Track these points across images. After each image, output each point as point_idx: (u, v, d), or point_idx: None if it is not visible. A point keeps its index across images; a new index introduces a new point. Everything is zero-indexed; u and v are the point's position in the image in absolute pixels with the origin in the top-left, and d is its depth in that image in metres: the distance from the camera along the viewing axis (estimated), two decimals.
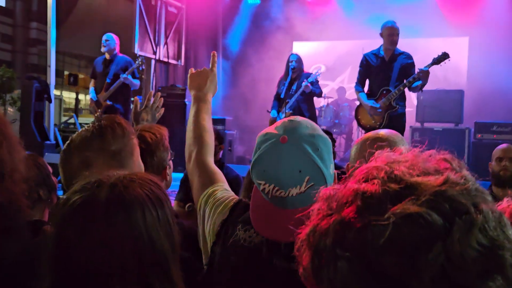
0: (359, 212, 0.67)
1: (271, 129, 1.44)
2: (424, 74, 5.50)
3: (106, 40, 7.28)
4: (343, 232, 0.67)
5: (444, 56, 5.61)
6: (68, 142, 1.59)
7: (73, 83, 13.15)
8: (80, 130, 1.62)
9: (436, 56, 5.68)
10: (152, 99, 2.48)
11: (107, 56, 7.38)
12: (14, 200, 1.33)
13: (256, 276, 1.42)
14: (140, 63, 7.21)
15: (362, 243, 0.65)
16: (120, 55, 7.43)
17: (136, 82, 7.30)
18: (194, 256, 1.64)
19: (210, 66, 2.07)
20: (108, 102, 7.14)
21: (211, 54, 2.11)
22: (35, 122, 7.64)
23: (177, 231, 1.16)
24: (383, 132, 1.84)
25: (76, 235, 1.05)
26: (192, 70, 2.08)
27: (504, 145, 3.81)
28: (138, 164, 1.66)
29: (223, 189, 1.69)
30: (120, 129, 1.61)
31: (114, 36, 7.38)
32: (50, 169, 2.19)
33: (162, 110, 2.52)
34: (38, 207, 2.03)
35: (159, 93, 2.56)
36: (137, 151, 1.66)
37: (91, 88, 7.51)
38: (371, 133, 1.83)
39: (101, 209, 1.06)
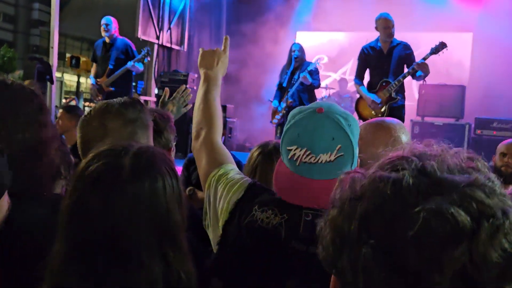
0: (387, 201, 0.68)
1: (304, 106, 1.52)
2: (420, 67, 5.52)
3: (107, 25, 7.23)
4: (369, 219, 0.68)
5: (442, 46, 5.63)
6: (90, 109, 1.70)
7: (75, 66, 13.12)
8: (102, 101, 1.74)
9: (433, 46, 5.70)
10: (180, 94, 2.59)
11: (107, 39, 7.34)
12: (49, 173, 1.43)
13: (272, 257, 1.42)
14: (145, 54, 7.17)
15: (389, 233, 0.66)
16: (120, 37, 7.39)
17: (140, 67, 7.28)
18: (199, 232, 1.66)
19: (223, 47, 2.06)
20: (111, 88, 7.14)
21: (224, 38, 2.11)
22: None
23: (186, 205, 1.22)
24: (387, 120, 1.86)
25: (100, 201, 1.08)
26: (203, 49, 2.07)
27: (509, 141, 3.79)
28: (149, 140, 1.72)
29: (235, 170, 1.69)
30: (139, 104, 1.73)
31: (112, 19, 7.32)
32: (68, 149, 2.22)
33: (189, 106, 2.58)
34: (58, 183, 2.06)
35: (189, 90, 2.64)
36: (151, 129, 1.73)
37: (92, 73, 7.52)
38: (374, 120, 1.85)
39: (126, 176, 1.10)
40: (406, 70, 5.77)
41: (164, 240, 1.11)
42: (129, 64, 7.01)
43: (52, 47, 7.77)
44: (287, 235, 1.41)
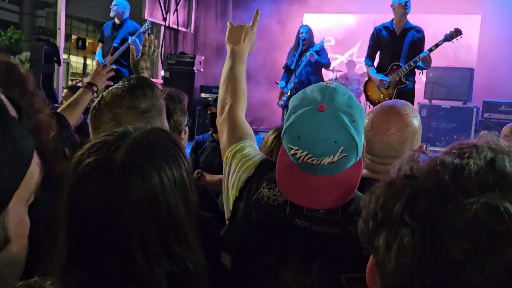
0: (442, 185, 0.64)
1: (305, 93, 1.43)
2: (422, 59, 5.53)
3: (114, 5, 7.23)
4: (417, 200, 0.65)
5: (457, 33, 5.58)
6: (98, 99, 1.60)
7: (81, 47, 13.10)
8: (110, 88, 1.64)
9: (448, 32, 5.65)
10: (147, 45, 2.40)
11: (116, 20, 7.33)
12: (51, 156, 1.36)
13: (277, 234, 1.44)
14: (146, 27, 7.14)
15: (435, 218, 0.63)
16: (131, 20, 7.38)
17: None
18: (214, 215, 1.67)
19: (251, 23, 2.06)
20: (114, 66, 7.13)
21: (255, 12, 2.08)
22: (43, 84, 7.64)
23: (193, 192, 1.15)
24: (398, 103, 1.85)
25: (91, 199, 1.03)
26: (231, 23, 2.06)
27: None
28: (164, 125, 1.68)
29: (252, 147, 1.69)
30: (150, 89, 1.63)
31: (123, 1, 7.32)
32: (72, 127, 2.22)
33: (158, 51, 2.44)
34: (63, 164, 2.07)
35: (152, 36, 2.45)
36: (164, 112, 1.67)
37: (98, 50, 7.48)
38: (385, 105, 1.84)
39: (117, 173, 1.03)
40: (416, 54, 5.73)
41: (167, 235, 1.05)
42: (130, 39, 7.00)
43: (59, 29, 7.77)
44: (291, 213, 1.44)
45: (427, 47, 5.70)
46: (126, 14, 7.34)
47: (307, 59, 6.80)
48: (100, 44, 7.60)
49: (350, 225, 1.37)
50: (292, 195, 1.43)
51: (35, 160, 0.66)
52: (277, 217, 1.45)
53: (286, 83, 7.19)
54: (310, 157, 1.35)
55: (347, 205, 1.41)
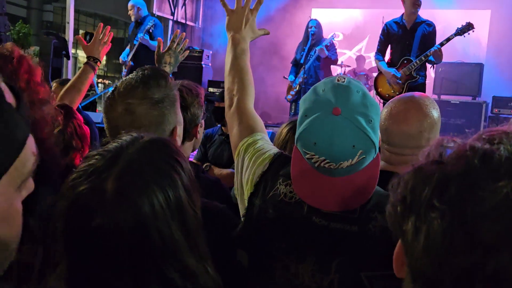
0: (472, 170, 0.64)
1: (316, 93, 1.37)
2: (435, 53, 5.48)
3: (134, 8, 7.45)
4: (447, 184, 0.65)
5: (468, 27, 5.54)
6: (112, 89, 1.60)
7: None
8: (124, 78, 1.63)
9: (460, 26, 5.61)
10: (176, 42, 2.42)
11: (132, 19, 7.57)
12: (53, 156, 1.34)
13: (294, 232, 1.42)
14: (150, 26, 7.32)
15: (465, 202, 0.63)
16: (150, 17, 7.59)
17: (152, 42, 7.31)
18: (228, 206, 1.65)
19: (253, 8, 1.95)
20: (131, 63, 7.23)
21: None
22: (52, 78, 7.67)
23: (195, 210, 1.10)
24: (417, 95, 1.84)
25: (83, 225, 1.01)
26: (229, 9, 1.94)
27: None
28: (178, 116, 1.66)
29: (264, 140, 1.66)
30: (164, 80, 1.61)
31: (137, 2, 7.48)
32: (82, 119, 2.22)
33: (186, 53, 2.47)
34: (70, 155, 2.08)
35: (184, 34, 2.47)
36: (178, 103, 1.65)
37: (126, 49, 7.71)
38: (404, 97, 1.83)
39: (107, 204, 1.00)
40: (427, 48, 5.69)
41: (163, 262, 1.02)
42: (139, 36, 7.12)
43: (68, 23, 7.79)
44: (309, 210, 1.41)
45: (437, 41, 5.66)
46: (145, 12, 7.53)
47: (317, 54, 6.79)
48: (129, 45, 7.82)
49: (369, 221, 1.34)
50: (310, 199, 1.39)
51: (31, 148, 0.67)
52: (295, 215, 1.42)
53: (295, 77, 7.18)
54: (327, 162, 1.31)
55: (366, 201, 1.37)
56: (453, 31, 5.65)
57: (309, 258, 1.38)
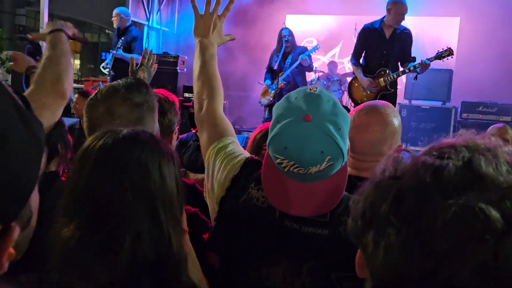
0: (424, 186, 0.68)
1: (289, 100, 1.43)
2: (424, 67, 5.44)
3: (116, 16, 7.52)
4: (402, 200, 0.69)
5: (449, 53, 5.50)
6: (96, 92, 1.69)
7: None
8: (109, 83, 1.73)
9: (441, 50, 5.57)
10: (146, 58, 2.57)
11: (120, 27, 7.60)
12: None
13: (266, 236, 1.44)
14: (122, 44, 7.39)
15: (418, 218, 0.67)
16: (135, 27, 7.67)
17: (125, 54, 7.31)
18: (200, 209, 1.70)
19: (221, 13, 1.94)
20: (112, 73, 7.26)
21: (229, 0, 1.94)
22: (26, 83, 7.60)
23: (181, 182, 1.29)
24: (379, 103, 1.91)
25: (106, 179, 1.18)
26: (198, 14, 1.94)
27: (500, 125, 3.99)
28: (156, 124, 1.73)
29: (234, 144, 1.68)
30: (145, 87, 1.72)
31: (122, 10, 7.58)
32: (66, 126, 2.28)
33: (156, 66, 2.61)
34: (55, 160, 2.12)
35: (152, 50, 2.62)
36: (156, 111, 1.73)
37: (108, 54, 7.74)
38: (367, 105, 1.90)
39: (135, 154, 1.20)
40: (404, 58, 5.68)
41: (159, 206, 1.19)
42: (112, 52, 7.24)
43: (42, 27, 7.72)
44: (281, 215, 1.43)
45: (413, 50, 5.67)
46: (129, 22, 7.59)
47: (299, 62, 6.92)
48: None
49: (340, 225, 1.38)
50: (280, 204, 1.42)
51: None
52: (267, 219, 1.45)
53: (271, 82, 7.28)
54: (296, 167, 1.34)
55: (336, 206, 1.41)
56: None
57: (281, 261, 1.40)
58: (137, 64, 2.54)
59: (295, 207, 1.39)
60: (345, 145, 1.38)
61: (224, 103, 7.21)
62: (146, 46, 2.48)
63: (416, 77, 5.78)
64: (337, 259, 1.34)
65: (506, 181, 0.66)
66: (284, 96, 1.46)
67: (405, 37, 5.68)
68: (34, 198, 0.70)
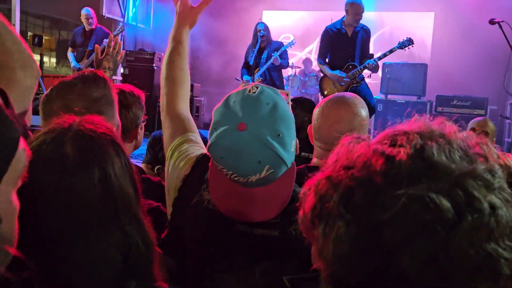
0: (374, 177, 0.66)
1: (226, 104, 1.35)
2: (374, 67, 5.83)
3: (92, 18, 7.56)
4: (352, 192, 0.67)
5: (409, 42, 5.83)
6: (51, 87, 1.62)
7: (37, 44, 12.78)
8: (63, 79, 1.65)
9: (401, 40, 5.90)
10: (111, 46, 2.41)
11: (86, 28, 7.57)
12: None
13: (219, 239, 1.41)
14: (120, 30, 7.39)
15: (368, 210, 0.65)
16: (99, 26, 7.65)
17: None
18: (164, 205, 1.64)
19: (197, 6, 1.90)
20: (91, 69, 7.22)
21: None
22: None
23: (136, 175, 1.16)
24: (347, 95, 1.93)
25: (48, 190, 1.03)
26: (179, 7, 1.88)
27: (480, 118, 4.05)
28: (115, 118, 1.68)
29: (192, 141, 1.63)
30: (102, 80, 1.65)
31: (91, 11, 7.59)
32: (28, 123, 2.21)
33: (123, 53, 2.47)
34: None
35: (117, 37, 2.49)
36: (115, 106, 1.68)
37: (70, 54, 7.72)
38: (334, 97, 1.92)
39: (71, 164, 1.04)
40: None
41: (122, 216, 1.08)
42: (102, 45, 7.11)
43: (14, 25, 7.60)
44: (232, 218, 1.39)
45: (381, 45, 5.85)
46: (95, 22, 7.69)
47: (270, 62, 6.92)
48: (70, 49, 7.84)
49: (291, 225, 1.34)
50: (228, 210, 1.38)
51: (22, 145, 0.68)
52: (218, 222, 1.40)
53: (249, 77, 7.28)
54: (235, 176, 1.30)
55: (287, 204, 1.36)
56: (399, 33, 5.88)
57: (234, 264, 1.37)
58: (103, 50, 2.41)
59: (242, 213, 1.36)
60: (287, 151, 1.31)
61: (201, 100, 7.24)
62: (111, 34, 2.27)
63: (370, 76, 6.20)
64: (289, 260, 1.31)
65: (458, 169, 0.64)
66: (224, 98, 1.39)
67: (364, 33, 6.00)
68: (4, 200, 0.67)
